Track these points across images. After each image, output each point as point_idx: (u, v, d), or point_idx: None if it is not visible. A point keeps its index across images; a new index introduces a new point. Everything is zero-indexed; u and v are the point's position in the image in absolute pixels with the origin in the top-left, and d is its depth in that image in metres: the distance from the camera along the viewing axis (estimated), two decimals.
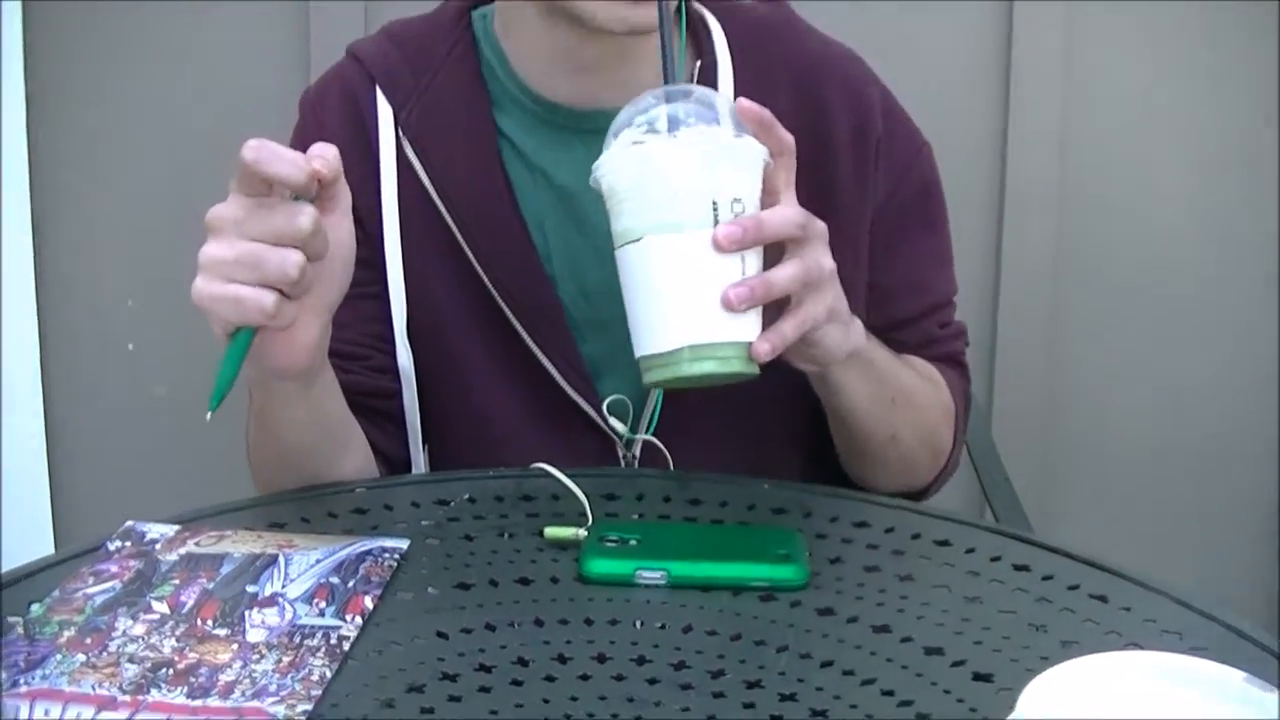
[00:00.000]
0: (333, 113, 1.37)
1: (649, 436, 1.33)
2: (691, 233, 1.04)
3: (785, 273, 1.07)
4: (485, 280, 1.32)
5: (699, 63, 1.35)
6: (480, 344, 1.34)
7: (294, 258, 1.01)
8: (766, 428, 1.38)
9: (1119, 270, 2.49)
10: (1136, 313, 2.50)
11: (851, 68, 1.41)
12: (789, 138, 1.11)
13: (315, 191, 1.04)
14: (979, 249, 2.44)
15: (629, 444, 1.34)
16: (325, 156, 1.05)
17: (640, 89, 1.11)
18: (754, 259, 1.06)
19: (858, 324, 1.20)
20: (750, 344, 1.06)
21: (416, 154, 1.33)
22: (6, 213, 2.38)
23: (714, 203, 1.04)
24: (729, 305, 1.04)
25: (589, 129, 1.26)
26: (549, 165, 1.33)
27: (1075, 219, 2.46)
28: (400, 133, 1.34)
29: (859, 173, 1.36)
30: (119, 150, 2.41)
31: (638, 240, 1.06)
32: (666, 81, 1.12)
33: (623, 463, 1.35)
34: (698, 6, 1.38)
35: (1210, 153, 2.47)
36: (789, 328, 1.08)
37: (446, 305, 1.34)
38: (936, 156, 1.44)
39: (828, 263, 1.11)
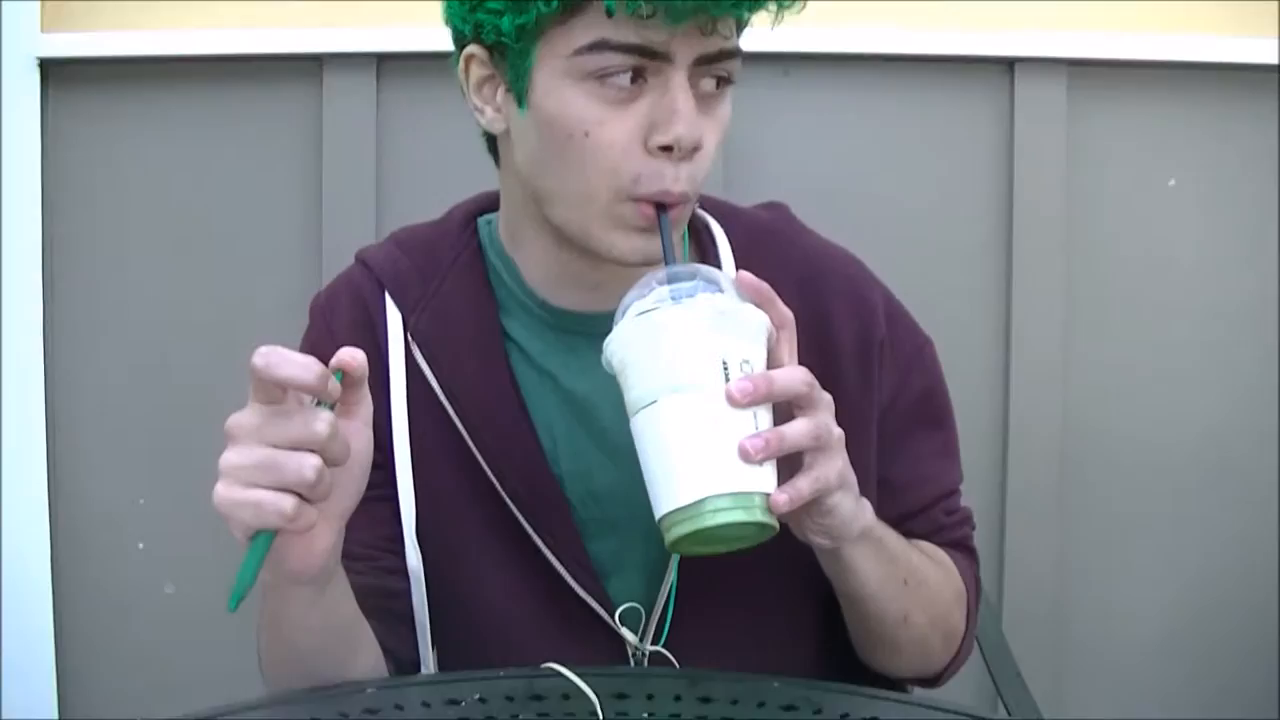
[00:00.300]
0: (342, 317, 1.40)
1: (660, 648, 1.34)
2: (705, 391, 1.07)
3: (797, 428, 1.10)
4: (494, 481, 1.33)
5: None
6: (489, 544, 1.35)
7: (311, 462, 1.02)
8: (778, 625, 1.38)
9: (1124, 460, 2.49)
10: (1142, 504, 2.50)
11: (852, 270, 1.44)
12: (788, 312, 1.15)
13: (335, 397, 1.06)
14: (985, 449, 2.46)
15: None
16: (356, 359, 1.07)
17: None
18: (765, 418, 1.09)
19: (867, 503, 1.22)
20: (769, 495, 1.08)
21: (425, 358, 1.35)
22: (20, 412, 2.40)
23: (724, 362, 1.08)
24: (746, 456, 1.06)
25: (596, 333, 1.29)
26: (556, 369, 1.35)
27: (1079, 414, 2.47)
28: (409, 337, 1.36)
29: (864, 374, 1.38)
30: (132, 352, 2.44)
31: (653, 403, 1.09)
32: (667, 264, 1.16)
33: (632, 661, 1.35)
34: (700, 213, 1.40)
35: (1214, 365, 2.49)
36: (804, 484, 1.10)
37: (455, 506, 1.35)
38: (940, 348, 1.47)
39: (836, 429, 1.14)
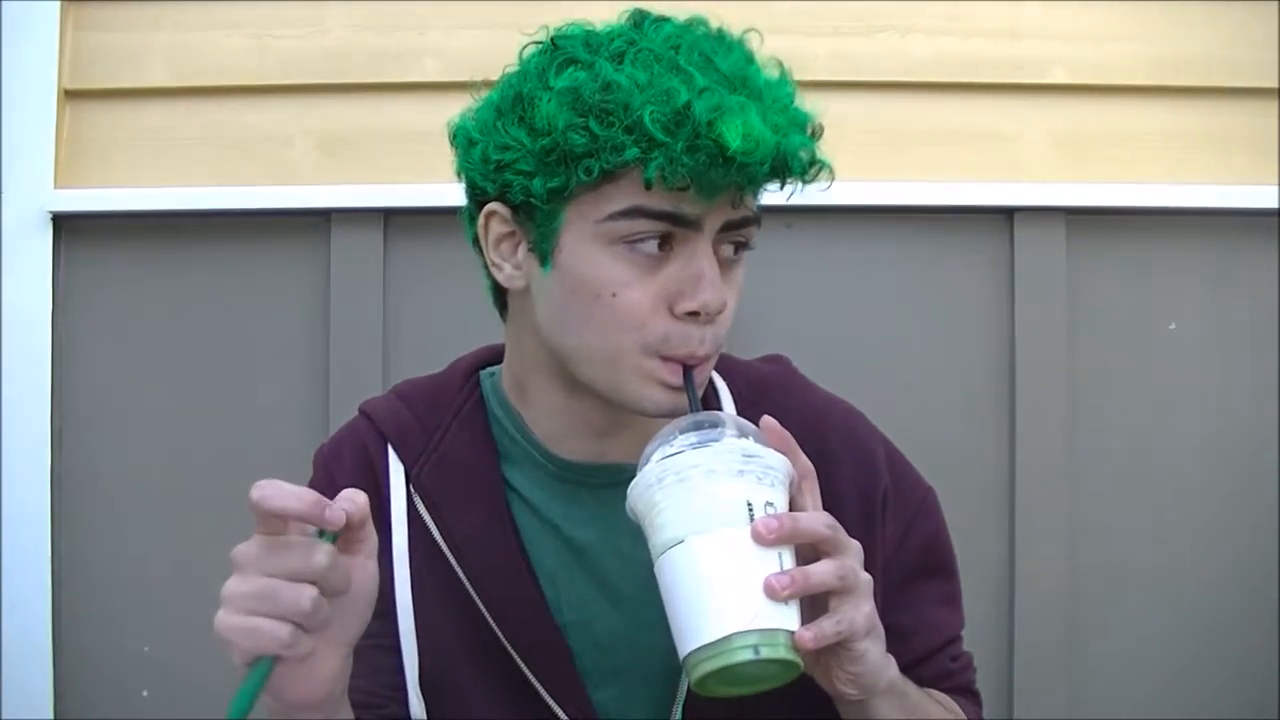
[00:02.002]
0: (346, 467, 1.41)
1: None
2: (731, 530, 1.08)
3: (822, 568, 1.11)
4: (496, 630, 1.34)
5: None
6: (492, 692, 1.35)
7: (308, 592, 1.04)
8: None
9: (1131, 607, 2.48)
10: (1151, 650, 2.49)
11: (854, 423, 1.45)
12: (808, 462, 1.17)
13: (336, 526, 1.07)
14: (991, 597, 2.45)
15: None
16: (355, 501, 1.09)
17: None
18: (789, 560, 1.10)
19: (890, 656, 1.22)
20: (794, 633, 1.08)
21: (427, 508, 1.36)
22: (28, 557, 2.41)
23: (749, 503, 1.09)
24: (772, 592, 1.07)
25: (597, 484, 1.30)
26: (559, 518, 1.36)
27: (1085, 559, 2.47)
28: (411, 488, 1.38)
29: (867, 525, 1.39)
30: (138, 500, 2.45)
31: (679, 544, 1.09)
32: (692, 410, 1.18)
33: None
34: None
35: (1218, 510, 2.49)
36: (829, 624, 1.10)
37: (458, 655, 1.35)
38: (943, 497, 1.48)
39: (864, 575, 1.14)
